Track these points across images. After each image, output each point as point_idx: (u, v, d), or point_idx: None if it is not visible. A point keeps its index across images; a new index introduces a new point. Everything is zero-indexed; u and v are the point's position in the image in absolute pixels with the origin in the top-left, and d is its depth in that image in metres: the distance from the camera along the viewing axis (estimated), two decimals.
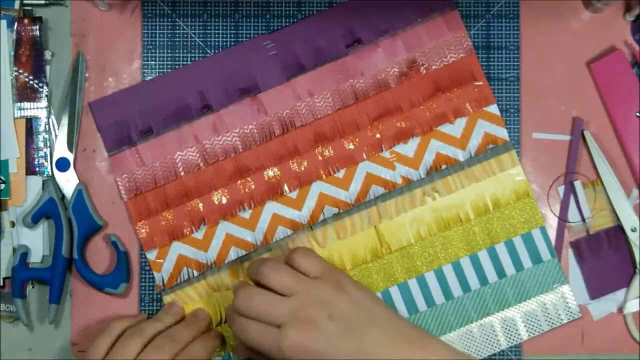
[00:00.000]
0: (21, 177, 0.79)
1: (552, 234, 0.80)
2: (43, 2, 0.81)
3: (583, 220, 0.80)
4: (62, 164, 0.80)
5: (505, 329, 0.79)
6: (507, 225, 0.79)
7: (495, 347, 0.79)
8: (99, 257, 0.80)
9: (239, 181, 0.79)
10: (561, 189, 0.80)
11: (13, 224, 0.80)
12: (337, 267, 0.78)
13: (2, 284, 0.79)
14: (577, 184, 0.80)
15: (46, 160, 0.80)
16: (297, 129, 0.80)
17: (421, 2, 0.80)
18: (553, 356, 0.79)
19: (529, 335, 0.79)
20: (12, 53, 0.80)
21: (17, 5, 0.80)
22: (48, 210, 0.78)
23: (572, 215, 0.80)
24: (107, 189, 0.81)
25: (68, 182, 0.80)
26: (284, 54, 0.81)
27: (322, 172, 0.80)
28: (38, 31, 0.80)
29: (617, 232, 0.79)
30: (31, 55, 0.80)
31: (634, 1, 0.79)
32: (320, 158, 0.80)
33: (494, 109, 0.80)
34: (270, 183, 0.80)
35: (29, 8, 0.81)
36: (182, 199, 0.79)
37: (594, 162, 0.79)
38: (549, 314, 0.79)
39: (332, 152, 0.80)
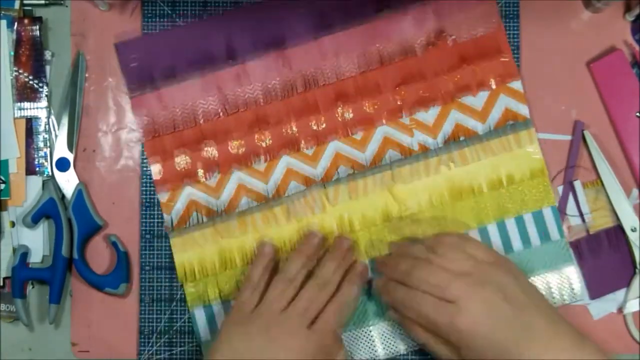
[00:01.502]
0: (21, 177, 0.79)
1: None
2: (43, 2, 0.81)
3: (583, 220, 0.80)
4: (62, 164, 0.80)
5: None
6: (519, 202, 0.80)
7: None
8: (99, 257, 0.80)
9: (257, 133, 0.80)
10: (561, 190, 0.80)
11: (13, 224, 0.80)
12: (344, 227, 0.79)
13: (2, 284, 0.79)
14: (577, 184, 0.80)
15: (46, 160, 0.80)
16: (320, 87, 0.80)
17: None
18: None
19: None
20: (12, 53, 0.80)
21: (17, 5, 0.80)
22: (48, 210, 0.78)
23: (572, 214, 0.80)
24: (107, 189, 0.81)
25: (68, 182, 0.80)
26: (314, 12, 0.81)
27: (340, 132, 0.80)
28: (38, 31, 0.80)
29: (617, 232, 0.80)
30: (31, 55, 0.80)
31: (634, 1, 0.80)
32: (340, 119, 0.80)
33: (517, 85, 0.80)
34: (288, 138, 0.80)
35: (29, 8, 0.81)
36: (198, 145, 0.80)
37: (594, 162, 0.79)
38: (552, 293, 0.79)
39: (352, 113, 0.80)
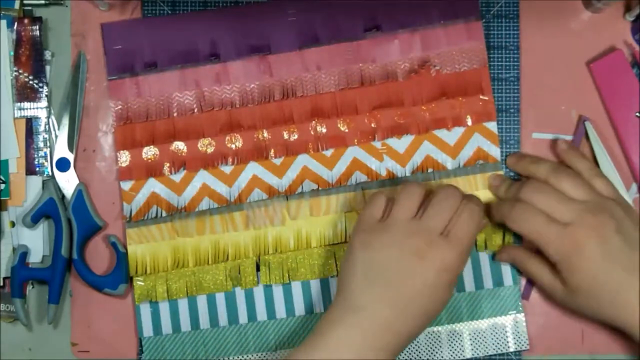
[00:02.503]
0: (21, 177, 0.79)
1: None
2: (43, 2, 0.81)
3: None
4: (63, 164, 0.80)
5: (451, 342, 0.79)
6: (477, 242, 0.79)
7: (438, 357, 0.79)
8: (99, 257, 0.80)
9: (228, 135, 0.80)
10: None
11: (13, 224, 0.80)
12: (301, 243, 0.79)
13: (2, 284, 0.79)
14: None
15: (46, 160, 0.80)
16: (297, 98, 0.80)
17: (448, 5, 0.80)
18: (553, 356, 0.79)
19: (473, 354, 0.78)
20: (12, 53, 0.80)
21: (17, 5, 0.80)
22: (48, 210, 0.78)
23: None
24: (107, 189, 0.81)
25: (68, 182, 0.80)
26: (303, 23, 0.80)
27: (311, 147, 0.79)
28: (38, 31, 0.80)
29: None
30: (31, 55, 0.80)
31: (634, 1, 0.79)
32: (313, 133, 0.79)
33: (492, 126, 0.80)
34: (258, 145, 0.79)
35: (29, 8, 0.81)
36: (168, 139, 0.80)
37: (594, 153, 0.79)
38: (497, 338, 0.78)
39: (325, 129, 0.79)
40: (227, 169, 0.80)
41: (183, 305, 0.79)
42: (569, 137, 0.80)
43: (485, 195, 0.79)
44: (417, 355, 0.78)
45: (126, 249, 0.79)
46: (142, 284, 0.79)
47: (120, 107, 0.80)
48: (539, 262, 0.75)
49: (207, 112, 0.80)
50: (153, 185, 0.80)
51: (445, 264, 0.69)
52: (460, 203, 0.71)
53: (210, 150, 0.80)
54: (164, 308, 0.79)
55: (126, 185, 0.80)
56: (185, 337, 0.79)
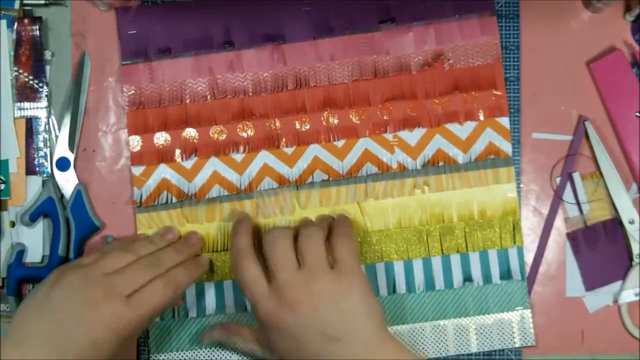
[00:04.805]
0: (21, 177, 0.80)
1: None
2: (43, 2, 0.81)
3: (581, 211, 0.79)
4: (63, 164, 0.80)
5: (457, 336, 0.79)
6: (487, 237, 0.79)
7: (443, 351, 0.79)
8: None
9: (240, 123, 0.80)
10: (559, 180, 0.80)
11: (13, 224, 0.80)
12: None
13: (1, 284, 0.79)
14: (576, 176, 0.79)
15: (46, 160, 0.80)
16: (310, 88, 0.80)
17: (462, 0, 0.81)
18: (553, 356, 0.79)
19: (479, 349, 0.78)
20: (12, 53, 0.80)
21: (17, 5, 0.80)
22: (46, 209, 0.78)
23: (570, 208, 0.80)
24: (106, 189, 0.81)
25: (68, 182, 0.80)
26: (317, 13, 0.81)
27: (322, 137, 0.80)
28: (38, 31, 0.80)
29: (614, 224, 0.79)
30: (31, 55, 0.80)
31: (634, 1, 0.79)
32: (325, 123, 0.80)
33: (505, 121, 0.80)
34: (270, 133, 0.80)
35: (29, 8, 0.81)
36: (180, 125, 0.80)
37: (594, 153, 0.79)
38: (503, 333, 0.78)
39: (337, 120, 0.80)
40: (238, 157, 0.80)
41: (190, 291, 0.79)
42: (569, 137, 0.80)
43: (494, 191, 0.79)
44: (423, 349, 0.78)
45: None
46: None
47: (133, 92, 0.80)
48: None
49: (219, 99, 0.80)
50: (164, 171, 0.80)
51: (118, 321, 0.68)
52: (163, 271, 0.72)
53: (221, 137, 0.80)
54: None
55: (137, 171, 0.80)
56: (191, 323, 0.79)
